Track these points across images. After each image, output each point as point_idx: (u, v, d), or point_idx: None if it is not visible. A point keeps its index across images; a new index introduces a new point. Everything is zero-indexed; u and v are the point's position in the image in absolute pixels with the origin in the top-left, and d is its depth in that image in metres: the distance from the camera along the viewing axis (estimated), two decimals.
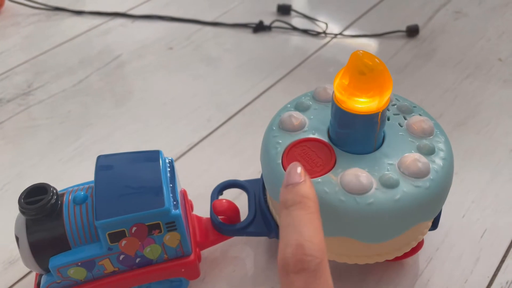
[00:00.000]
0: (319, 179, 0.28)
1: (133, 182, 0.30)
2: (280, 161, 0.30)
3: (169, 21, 0.65)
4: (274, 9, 0.65)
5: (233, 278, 0.36)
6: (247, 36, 0.61)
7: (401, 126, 0.31)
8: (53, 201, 0.29)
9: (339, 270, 0.35)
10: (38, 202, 0.29)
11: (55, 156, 0.46)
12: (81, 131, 0.49)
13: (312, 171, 0.29)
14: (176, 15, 0.65)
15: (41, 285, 0.31)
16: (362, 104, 0.27)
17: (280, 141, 0.31)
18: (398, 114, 0.32)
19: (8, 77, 0.56)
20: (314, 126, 0.31)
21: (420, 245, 0.34)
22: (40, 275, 0.31)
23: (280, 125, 0.32)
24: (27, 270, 0.36)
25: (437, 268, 0.35)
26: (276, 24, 0.61)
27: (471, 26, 0.61)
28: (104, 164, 0.31)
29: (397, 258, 0.33)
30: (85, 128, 0.49)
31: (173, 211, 0.29)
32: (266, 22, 0.62)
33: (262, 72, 0.55)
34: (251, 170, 0.44)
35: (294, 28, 0.61)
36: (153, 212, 0.29)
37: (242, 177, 0.39)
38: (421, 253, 0.36)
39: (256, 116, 0.50)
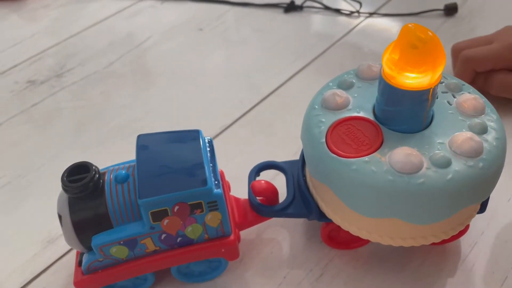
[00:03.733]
0: (366, 158, 0.27)
1: (175, 161, 0.30)
2: (324, 140, 0.29)
3: (198, 2, 0.64)
4: None
5: (270, 260, 0.35)
6: (278, 16, 0.60)
7: (450, 105, 0.30)
8: (95, 179, 0.29)
9: (381, 253, 0.35)
10: (80, 180, 0.29)
11: (90, 137, 0.46)
12: (114, 112, 0.49)
13: (359, 150, 0.28)
14: None
15: (83, 263, 0.31)
16: (413, 79, 0.26)
17: (323, 120, 0.30)
18: (447, 92, 0.31)
19: (41, 59, 0.57)
20: (359, 105, 0.30)
21: (465, 228, 0.32)
22: (81, 254, 0.32)
23: (322, 104, 0.31)
24: (67, 248, 0.37)
25: (482, 252, 0.34)
26: (308, 3, 0.60)
27: (508, 4, 0.58)
28: (145, 143, 0.31)
29: (442, 242, 0.32)
30: (118, 109, 0.49)
31: (215, 190, 0.29)
32: (298, 1, 0.60)
33: (294, 53, 0.54)
34: (286, 152, 0.43)
35: (327, 8, 0.59)
36: (195, 191, 0.28)
37: (277, 158, 0.38)
38: (465, 237, 0.35)
39: (289, 97, 0.49)
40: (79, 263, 0.32)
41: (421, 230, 0.29)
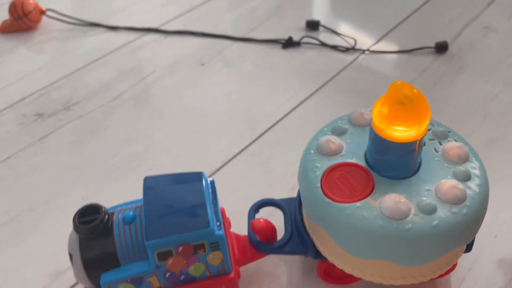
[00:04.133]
0: (358, 203, 0.29)
1: (179, 203, 0.32)
2: (319, 184, 0.31)
3: (201, 37, 0.67)
4: (303, 24, 0.66)
5: None
6: (277, 51, 0.63)
7: (437, 152, 0.32)
8: (105, 220, 0.31)
9: None
10: (91, 221, 0.31)
11: (96, 171, 0.48)
12: (119, 146, 0.51)
13: (351, 196, 0.30)
14: (206, 30, 0.67)
15: None
16: (401, 132, 0.28)
17: (318, 165, 0.32)
18: (433, 140, 0.33)
19: (48, 92, 0.59)
20: (351, 151, 0.32)
21: (453, 266, 0.34)
22: None
23: (317, 149, 0.33)
24: (73, 282, 0.38)
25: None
26: (305, 40, 0.63)
27: (500, 42, 0.61)
28: (151, 185, 0.33)
29: (431, 279, 0.34)
30: (123, 143, 0.51)
31: (217, 232, 0.31)
32: (295, 37, 0.63)
33: (292, 88, 0.56)
34: (283, 187, 0.45)
35: (323, 44, 0.62)
36: (199, 233, 0.30)
37: (275, 193, 0.40)
38: (453, 273, 0.37)
39: (287, 133, 0.51)
40: None
41: (410, 271, 0.31)
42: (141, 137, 0.52)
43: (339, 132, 0.34)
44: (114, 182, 0.47)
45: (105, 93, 0.58)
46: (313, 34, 0.64)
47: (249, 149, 0.49)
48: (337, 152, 0.32)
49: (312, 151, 0.33)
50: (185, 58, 0.63)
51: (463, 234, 0.29)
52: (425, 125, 0.28)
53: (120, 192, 0.46)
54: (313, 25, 0.65)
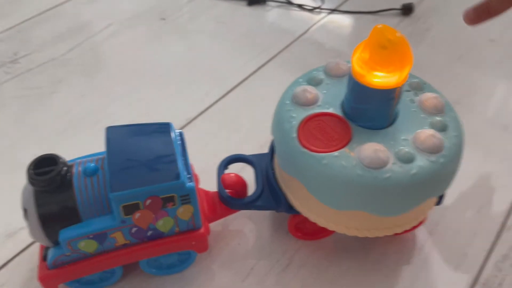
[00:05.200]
0: (336, 153, 0.28)
1: (146, 154, 0.29)
2: (295, 135, 0.30)
3: None
4: None
5: (238, 251, 0.36)
6: (242, 8, 0.60)
7: (413, 103, 0.31)
8: (63, 172, 0.28)
9: (345, 243, 0.36)
10: (47, 173, 0.28)
11: (49, 127, 0.44)
12: (74, 102, 0.47)
13: (329, 145, 0.29)
14: None
15: (48, 258, 0.30)
16: (382, 78, 0.27)
17: (294, 115, 0.31)
18: (409, 91, 0.32)
19: None
20: (328, 101, 0.31)
21: (424, 219, 0.35)
22: (46, 248, 0.31)
23: (293, 99, 0.31)
24: (27, 243, 0.36)
25: (437, 242, 0.37)
26: None
27: (463, 5, 0.61)
28: (114, 136, 0.30)
29: (402, 232, 0.34)
30: (78, 99, 0.47)
31: (187, 183, 0.29)
32: None
33: (257, 47, 0.54)
34: (252, 145, 0.43)
35: (289, 2, 0.60)
36: (168, 185, 0.28)
37: (243, 151, 0.39)
38: (422, 228, 0.37)
39: (253, 91, 0.49)
40: (43, 258, 0.31)
41: (387, 222, 0.30)
42: (98, 94, 0.48)
43: (315, 83, 0.33)
44: (69, 138, 0.43)
45: (56, 46, 0.54)
46: None
47: (216, 106, 0.47)
48: (313, 102, 0.31)
49: (287, 102, 0.32)
50: (144, 12, 0.59)
51: (440, 183, 0.29)
52: (407, 70, 0.27)
53: (77, 148, 0.42)
54: None
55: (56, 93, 0.48)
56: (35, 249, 0.35)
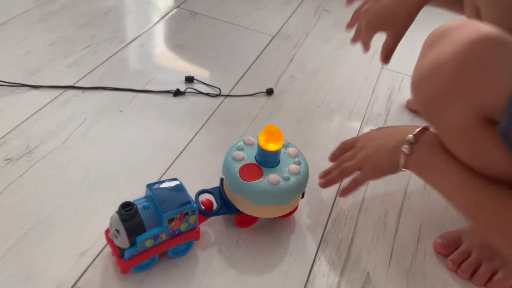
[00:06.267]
0: (257, 180, 0.64)
1: (172, 192, 0.61)
2: (238, 175, 0.65)
3: (111, 91, 0.93)
4: (183, 79, 0.98)
5: (210, 240, 0.69)
6: (170, 99, 0.94)
7: (285, 153, 0.69)
8: (135, 209, 0.59)
9: (263, 226, 0.72)
10: (129, 210, 0.58)
11: (71, 190, 0.72)
12: (83, 174, 0.75)
13: (254, 178, 0.65)
14: (113, 85, 0.93)
15: (125, 254, 0.59)
16: (273, 146, 0.64)
17: (235, 166, 0.66)
18: (283, 148, 0.70)
19: (6, 142, 0.78)
20: (249, 157, 0.67)
21: (297, 206, 0.72)
22: (122, 249, 0.60)
23: (233, 158, 0.67)
24: (92, 258, 0.64)
25: (307, 217, 0.75)
26: (188, 90, 0.95)
27: (301, 85, 1.04)
28: (152, 186, 0.62)
29: (290, 213, 0.71)
30: (83, 171, 0.75)
31: (194, 205, 0.62)
32: (181, 88, 0.95)
33: (187, 124, 0.88)
34: (213, 183, 0.77)
35: (200, 92, 0.96)
36: (186, 207, 0.61)
37: (208, 186, 0.72)
38: (298, 211, 0.75)
39: (197, 155, 0.83)
40: (120, 256, 0.60)
41: (283, 208, 0.67)
42: (98, 167, 0.77)
43: (241, 149, 0.68)
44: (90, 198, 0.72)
45: (55, 138, 0.80)
46: (192, 86, 0.97)
47: (173, 167, 0.80)
48: (242, 158, 0.67)
49: (230, 159, 0.67)
50: (106, 107, 0.89)
51: (302, 188, 0.67)
52: (282, 142, 0.65)
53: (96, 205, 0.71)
54: (190, 79, 0.98)
55: (69, 170, 0.75)
56: (100, 261, 0.63)
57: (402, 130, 0.65)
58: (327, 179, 0.73)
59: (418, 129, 0.63)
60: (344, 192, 0.72)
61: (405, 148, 0.63)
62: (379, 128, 0.75)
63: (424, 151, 0.62)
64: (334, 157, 0.75)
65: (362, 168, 0.69)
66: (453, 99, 0.52)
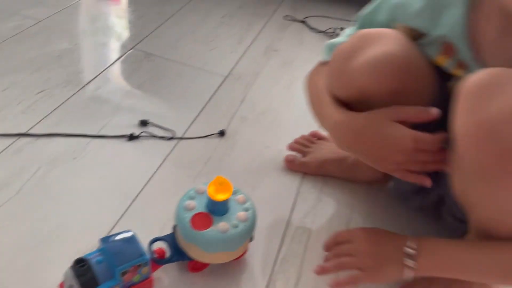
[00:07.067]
0: (207, 230, 0.68)
1: (125, 245, 0.64)
2: (189, 224, 0.68)
3: (65, 137, 0.94)
4: (137, 122, 1.01)
5: (163, 285, 0.72)
6: (124, 144, 0.96)
7: (234, 200, 0.73)
8: (88, 265, 0.61)
9: (216, 271, 0.75)
10: (83, 266, 0.60)
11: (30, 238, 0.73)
12: (31, 225, 0.76)
13: (204, 227, 0.68)
14: (67, 131, 0.95)
15: None
16: (221, 196, 0.68)
17: (187, 215, 0.69)
18: (233, 194, 0.74)
19: None
20: (200, 206, 0.71)
21: (246, 250, 0.76)
22: None
23: (184, 207, 0.70)
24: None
25: (255, 251, 0.79)
26: (143, 134, 0.98)
27: (251, 127, 1.09)
28: (105, 240, 0.64)
29: (239, 257, 0.75)
30: (35, 223, 0.77)
31: (146, 257, 0.65)
32: (136, 132, 0.98)
33: (141, 167, 0.91)
34: (167, 228, 0.79)
35: (154, 136, 0.99)
36: (139, 259, 0.64)
37: (162, 232, 0.75)
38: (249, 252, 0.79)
39: (153, 198, 0.85)
40: None
41: (232, 254, 0.71)
42: (52, 214, 0.78)
43: (192, 198, 0.72)
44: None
45: (8, 187, 0.81)
46: (146, 129, 1.00)
47: (127, 214, 0.82)
48: (194, 208, 0.70)
49: (182, 208, 0.70)
50: (60, 155, 0.90)
51: (250, 232, 0.71)
52: (230, 191, 0.69)
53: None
54: (144, 123, 1.01)
55: (26, 221, 0.76)
56: None
57: (396, 242, 0.68)
58: (322, 267, 0.72)
59: (412, 241, 0.66)
60: (340, 285, 0.70)
61: (411, 263, 0.65)
62: (369, 230, 0.75)
63: (430, 258, 0.65)
64: (328, 248, 0.75)
65: (364, 270, 0.69)
66: None
